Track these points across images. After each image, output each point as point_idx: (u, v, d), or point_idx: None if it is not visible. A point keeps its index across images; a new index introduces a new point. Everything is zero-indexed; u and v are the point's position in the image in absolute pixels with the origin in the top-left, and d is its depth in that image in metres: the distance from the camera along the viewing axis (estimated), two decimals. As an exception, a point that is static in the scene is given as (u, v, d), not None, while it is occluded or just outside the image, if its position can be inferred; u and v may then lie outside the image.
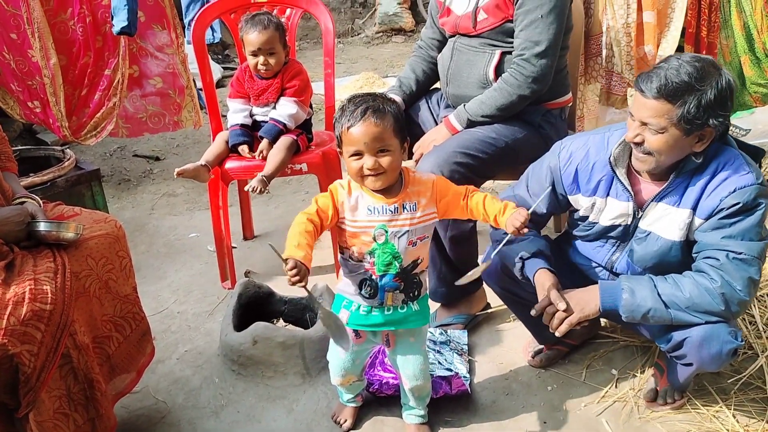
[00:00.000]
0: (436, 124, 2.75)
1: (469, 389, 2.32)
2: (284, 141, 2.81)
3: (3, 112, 3.87)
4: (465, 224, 2.50)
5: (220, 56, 7.49)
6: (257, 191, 2.63)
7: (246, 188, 2.68)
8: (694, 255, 1.95)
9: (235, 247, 3.36)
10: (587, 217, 2.11)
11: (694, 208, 1.90)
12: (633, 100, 1.87)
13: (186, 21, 6.22)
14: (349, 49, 8.48)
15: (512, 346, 2.62)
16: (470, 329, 2.69)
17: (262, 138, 2.83)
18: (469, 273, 2.02)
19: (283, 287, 2.99)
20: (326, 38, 3.19)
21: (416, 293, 1.96)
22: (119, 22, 3.43)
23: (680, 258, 1.98)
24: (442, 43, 2.81)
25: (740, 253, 1.84)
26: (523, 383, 2.43)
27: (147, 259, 3.41)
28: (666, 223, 1.95)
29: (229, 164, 2.87)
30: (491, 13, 2.51)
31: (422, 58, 2.89)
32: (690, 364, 2.01)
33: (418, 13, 8.80)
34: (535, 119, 2.61)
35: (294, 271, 1.71)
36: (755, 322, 2.53)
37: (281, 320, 2.72)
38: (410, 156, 2.70)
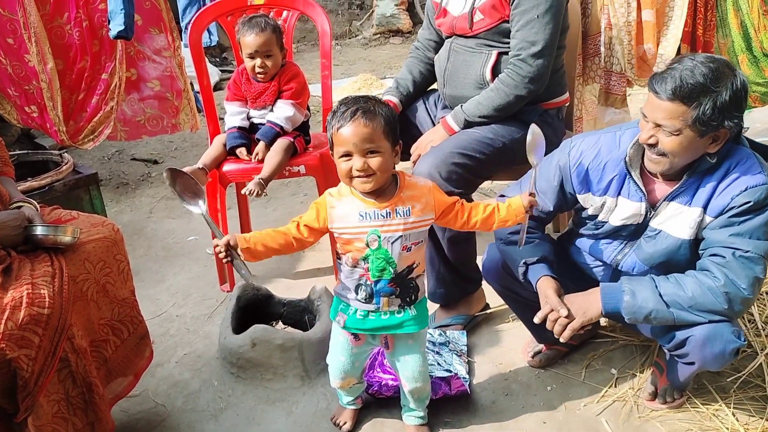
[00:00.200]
0: (434, 125, 2.75)
1: (468, 390, 2.32)
2: (281, 143, 2.80)
3: (0, 117, 3.86)
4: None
5: (217, 59, 7.50)
6: (255, 194, 2.64)
7: (243, 191, 2.68)
8: (700, 252, 1.94)
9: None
10: (596, 216, 2.09)
11: (705, 207, 1.90)
12: (646, 101, 1.85)
13: (183, 24, 6.21)
14: (346, 51, 8.49)
15: (511, 346, 2.62)
16: (469, 330, 2.69)
17: (259, 141, 2.83)
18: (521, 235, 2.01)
19: (281, 290, 3.01)
20: (323, 40, 3.19)
21: (413, 298, 1.95)
22: (116, 26, 3.44)
23: (689, 256, 1.98)
24: (438, 44, 2.81)
25: (747, 252, 1.83)
26: (522, 383, 2.43)
27: (146, 263, 3.41)
28: (677, 221, 1.95)
29: (227, 167, 2.87)
30: (487, 14, 2.51)
31: (419, 59, 2.89)
32: (692, 363, 2.00)
33: (415, 15, 8.81)
34: (532, 119, 2.60)
35: (220, 247, 1.84)
36: (754, 320, 2.53)
37: (280, 322, 2.72)
38: (407, 157, 2.70)
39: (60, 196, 3.08)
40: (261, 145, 2.82)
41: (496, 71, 2.55)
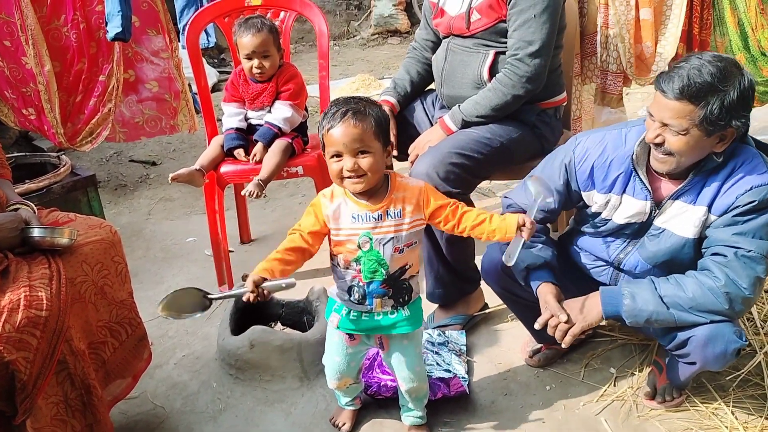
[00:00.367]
0: (432, 125, 2.75)
1: (467, 390, 2.32)
2: (279, 144, 2.80)
3: (-2, 119, 3.87)
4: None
5: (215, 60, 7.50)
6: (254, 195, 2.63)
7: (243, 192, 2.68)
8: (702, 251, 1.94)
9: (232, 251, 3.36)
10: (599, 213, 2.08)
11: (710, 206, 1.89)
12: (652, 100, 1.84)
13: (180, 26, 6.23)
14: (344, 51, 8.49)
15: (510, 346, 2.61)
16: (468, 330, 2.69)
17: (257, 142, 2.83)
18: (510, 249, 1.93)
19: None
20: (320, 41, 3.19)
21: (406, 298, 1.95)
22: (113, 28, 3.43)
23: (692, 255, 1.97)
24: (436, 44, 2.81)
25: (749, 251, 1.83)
26: (521, 383, 2.43)
27: (144, 264, 3.41)
28: (681, 220, 1.94)
29: (224, 168, 2.87)
30: (484, 14, 2.51)
31: (417, 60, 2.89)
32: (693, 363, 2.00)
33: (413, 15, 8.81)
34: (529, 119, 2.61)
35: (253, 297, 1.76)
36: (753, 318, 2.53)
37: (278, 324, 2.72)
38: (405, 157, 2.70)
39: (58, 198, 3.07)
40: (259, 146, 2.81)
41: (493, 71, 2.54)
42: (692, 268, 1.94)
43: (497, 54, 2.54)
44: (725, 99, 1.73)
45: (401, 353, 2.03)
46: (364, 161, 1.77)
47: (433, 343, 2.51)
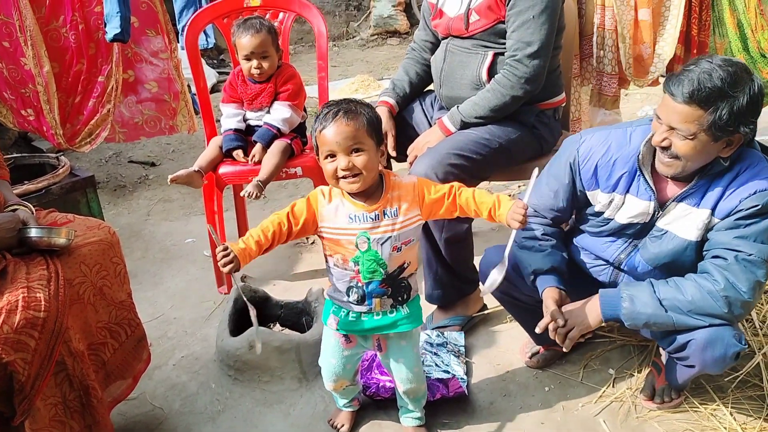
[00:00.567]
0: (430, 125, 2.75)
1: (466, 391, 2.32)
2: (278, 145, 2.80)
3: (-3, 120, 3.87)
4: (460, 225, 2.50)
5: (215, 61, 7.50)
6: (253, 196, 2.63)
7: (242, 194, 2.68)
8: (703, 253, 1.93)
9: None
10: (602, 213, 2.07)
11: (714, 209, 1.88)
12: (660, 103, 1.83)
13: (179, 27, 6.21)
14: (344, 52, 8.50)
15: (509, 347, 2.61)
16: (467, 331, 2.69)
17: (255, 142, 2.83)
18: (489, 282, 1.96)
19: (279, 292, 3.01)
20: (319, 42, 3.19)
21: (405, 297, 1.95)
22: (112, 29, 3.44)
23: (694, 258, 1.96)
24: (435, 45, 2.81)
25: (750, 255, 1.82)
26: (520, 384, 2.43)
27: (143, 265, 3.40)
28: (684, 223, 1.93)
29: (223, 169, 2.87)
30: (483, 15, 2.51)
31: (415, 60, 2.89)
32: (692, 366, 2.00)
33: (412, 16, 8.81)
34: (528, 119, 2.61)
35: (222, 255, 1.78)
36: (752, 320, 2.53)
37: (278, 325, 2.72)
38: (404, 159, 2.70)
39: (57, 199, 3.07)
40: (258, 147, 2.81)
41: (492, 72, 2.55)
42: (693, 270, 1.94)
43: (496, 55, 2.54)
44: (735, 105, 1.71)
45: (399, 354, 2.03)
46: (359, 159, 1.77)
47: (431, 344, 2.51)
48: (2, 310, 1.72)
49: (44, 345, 1.78)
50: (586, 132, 2.12)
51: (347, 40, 9.03)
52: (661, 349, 2.33)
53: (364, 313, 1.94)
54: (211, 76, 6.51)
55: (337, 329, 1.98)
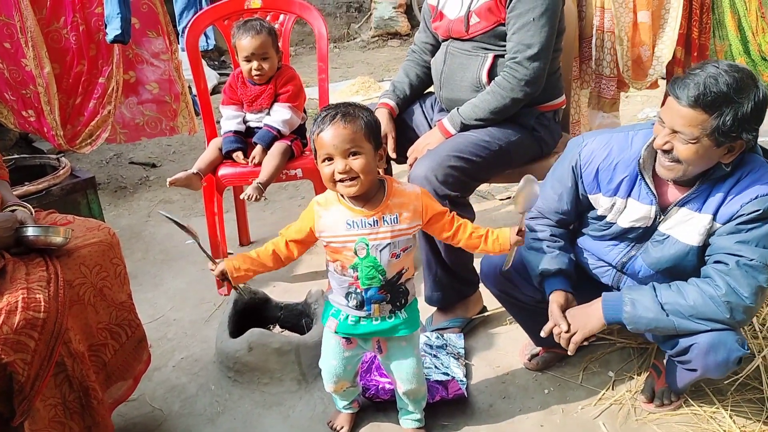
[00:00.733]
0: (430, 127, 2.75)
1: (465, 393, 2.32)
2: (278, 147, 2.81)
3: (-2, 121, 3.87)
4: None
5: (216, 62, 7.51)
6: (253, 198, 2.63)
7: (242, 196, 2.67)
8: (705, 258, 1.93)
9: (231, 254, 3.35)
10: (604, 216, 2.07)
11: (715, 214, 1.88)
12: (664, 106, 1.83)
13: (180, 28, 6.22)
14: (345, 54, 8.50)
15: (509, 349, 2.61)
16: (467, 333, 2.68)
17: (255, 144, 2.83)
18: (507, 259, 2.00)
19: (278, 293, 3.01)
20: (320, 43, 3.19)
21: (403, 301, 1.95)
22: (112, 30, 3.44)
23: (695, 263, 1.96)
24: (435, 47, 2.81)
25: (752, 260, 1.82)
26: (519, 386, 2.43)
27: (143, 266, 3.41)
28: (686, 227, 1.93)
29: (223, 171, 2.87)
30: (483, 17, 2.51)
31: (416, 63, 2.89)
32: (694, 370, 1.99)
33: (413, 17, 8.82)
34: (528, 122, 2.61)
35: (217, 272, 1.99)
36: (751, 323, 2.53)
37: (277, 326, 2.72)
38: (404, 161, 2.70)
39: (57, 200, 3.08)
40: (258, 149, 2.82)
41: (492, 74, 2.55)
42: (696, 275, 1.94)
43: (496, 57, 2.54)
44: (739, 111, 1.71)
45: (400, 355, 2.03)
46: (356, 162, 1.76)
47: (431, 346, 2.51)
48: (2, 310, 1.72)
49: (44, 346, 1.78)
50: (589, 135, 2.12)
51: (348, 41, 9.04)
52: (661, 351, 2.33)
53: (363, 317, 1.94)
54: (212, 77, 6.52)
55: (336, 332, 1.98)
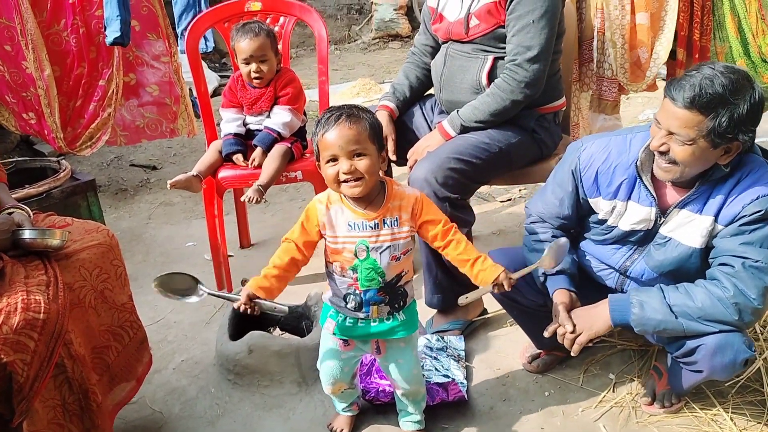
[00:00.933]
0: (431, 130, 2.75)
1: (466, 396, 2.31)
2: (279, 149, 2.81)
3: (-1, 124, 3.88)
4: (461, 229, 2.49)
5: (217, 65, 7.51)
6: (253, 201, 2.63)
7: (242, 198, 2.67)
8: (710, 261, 1.92)
9: (231, 256, 3.37)
10: (605, 220, 2.07)
11: (717, 216, 1.88)
12: (660, 108, 1.83)
13: (179, 30, 6.24)
14: (346, 56, 8.50)
15: (509, 351, 2.61)
16: (467, 335, 2.68)
17: (255, 147, 2.83)
18: (471, 294, 1.99)
19: (279, 295, 3.00)
20: (320, 46, 3.19)
21: (402, 303, 1.95)
22: (112, 32, 3.44)
23: (699, 265, 1.96)
24: (435, 49, 2.81)
25: (757, 261, 1.81)
26: (520, 389, 2.42)
27: (144, 269, 3.40)
28: (688, 230, 1.93)
29: (223, 173, 2.87)
30: (483, 19, 2.51)
31: (416, 65, 2.89)
32: (699, 372, 1.99)
33: (414, 19, 8.82)
34: (528, 124, 2.61)
35: (243, 308, 1.84)
36: (752, 324, 2.53)
37: (277, 329, 2.71)
38: (404, 163, 2.70)
39: (57, 203, 3.07)
40: (258, 151, 2.82)
41: (492, 76, 2.55)
42: (699, 277, 1.93)
43: (496, 59, 2.54)
44: (735, 112, 1.72)
45: (398, 356, 2.03)
46: (361, 163, 1.76)
47: (431, 348, 2.51)
48: (1, 311, 1.72)
49: (44, 346, 1.78)
50: (588, 139, 2.12)
51: (349, 43, 9.04)
52: (663, 353, 2.33)
53: (362, 319, 1.94)
54: (212, 79, 6.52)
55: (334, 333, 1.98)
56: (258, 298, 1.82)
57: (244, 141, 2.91)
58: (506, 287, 1.86)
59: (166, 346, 2.77)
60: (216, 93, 6.13)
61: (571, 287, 2.07)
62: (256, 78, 2.80)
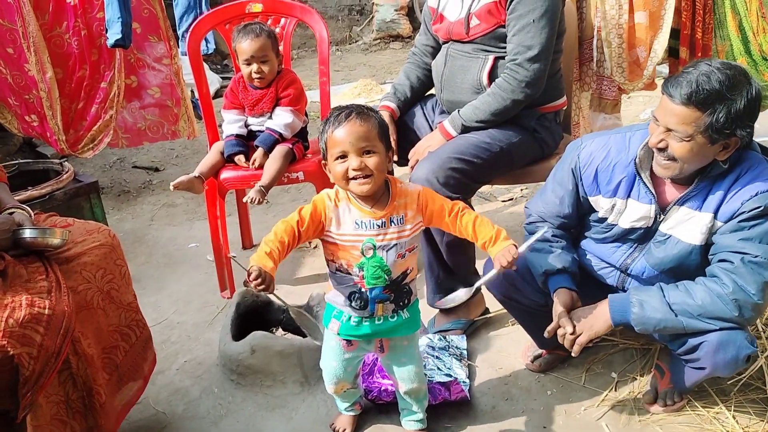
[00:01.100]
0: (432, 130, 2.76)
1: (468, 395, 2.32)
2: (280, 150, 2.81)
3: (1, 126, 3.88)
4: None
5: (218, 66, 7.52)
6: (255, 202, 2.64)
7: (244, 199, 2.68)
8: (709, 257, 1.93)
9: (233, 256, 3.36)
10: (605, 218, 2.08)
11: (716, 212, 1.88)
12: (658, 105, 1.84)
13: (180, 32, 6.25)
14: (347, 57, 8.51)
15: (511, 350, 2.61)
16: (469, 334, 2.69)
17: (257, 148, 2.83)
18: (451, 297, 2.01)
19: (280, 296, 3.00)
20: (321, 47, 3.20)
21: (406, 301, 1.95)
22: (113, 34, 3.46)
23: (699, 262, 1.96)
24: (435, 50, 2.81)
25: (756, 257, 1.82)
26: (522, 388, 2.43)
27: (147, 270, 3.41)
28: (687, 227, 1.93)
29: (224, 174, 2.88)
30: (483, 19, 2.51)
31: (416, 65, 2.90)
32: (702, 368, 1.99)
33: (415, 20, 8.82)
34: (529, 123, 2.61)
35: (258, 281, 1.74)
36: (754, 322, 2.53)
37: (280, 329, 2.72)
38: (405, 163, 2.71)
39: (60, 204, 3.08)
40: (260, 152, 2.82)
41: (492, 76, 2.55)
42: (699, 274, 1.93)
43: (496, 59, 2.55)
44: (732, 108, 1.72)
45: (401, 354, 2.04)
46: (371, 160, 1.77)
47: (434, 348, 2.51)
48: (7, 306, 1.73)
49: (51, 342, 1.77)
50: (587, 137, 2.12)
51: (350, 44, 9.05)
52: (665, 351, 2.33)
53: (366, 318, 1.94)
54: (214, 81, 6.52)
55: (339, 333, 1.99)
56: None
57: (246, 142, 2.91)
58: (509, 258, 1.82)
59: (169, 347, 2.78)
60: (218, 94, 6.13)
61: (572, 286, 2.07)
62: (257, 78, 2.81)
